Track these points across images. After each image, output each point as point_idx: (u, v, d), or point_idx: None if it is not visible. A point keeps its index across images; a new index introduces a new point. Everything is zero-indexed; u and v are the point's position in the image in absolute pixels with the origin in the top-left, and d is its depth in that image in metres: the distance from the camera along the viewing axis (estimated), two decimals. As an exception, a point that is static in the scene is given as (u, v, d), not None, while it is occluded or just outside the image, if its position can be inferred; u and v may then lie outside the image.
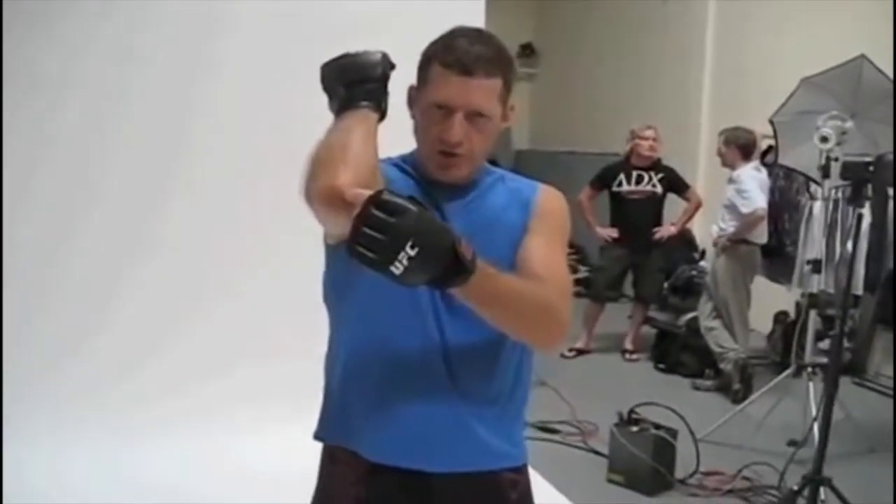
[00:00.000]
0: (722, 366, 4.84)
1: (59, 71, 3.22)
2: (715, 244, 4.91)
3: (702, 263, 5.77)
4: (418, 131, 1.38)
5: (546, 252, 1.36)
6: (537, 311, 1.28)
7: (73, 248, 3.29)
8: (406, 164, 1.43)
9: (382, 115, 1.36)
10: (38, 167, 3.25)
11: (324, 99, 1.38)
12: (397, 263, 1.07)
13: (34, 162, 3.24)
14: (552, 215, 1.43)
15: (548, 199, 1.44)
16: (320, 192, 1.20)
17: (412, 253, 1.06)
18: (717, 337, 4.85)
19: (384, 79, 1.36)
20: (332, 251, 1.40)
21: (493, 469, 1.43)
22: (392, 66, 1.39)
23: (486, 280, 1.17)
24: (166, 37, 3.30)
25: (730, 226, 4.77)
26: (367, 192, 1.09)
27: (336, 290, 1.44)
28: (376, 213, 1.06)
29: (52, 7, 3.18)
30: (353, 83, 1.35)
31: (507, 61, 1.38)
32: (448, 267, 1.11)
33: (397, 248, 1.06)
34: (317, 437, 1.49)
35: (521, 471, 1.48)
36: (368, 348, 1.40)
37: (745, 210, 4.65)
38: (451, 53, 1.32)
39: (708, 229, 5.32)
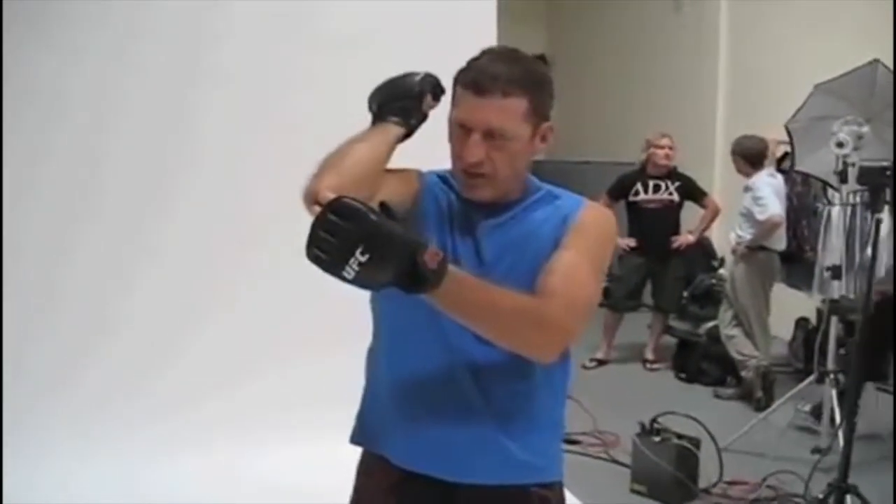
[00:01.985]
0: (743, 374, 4.81)
1: (56, 78, 3.21)
2: (733, 252, 4.90)
3: (721, 272, 5.74)
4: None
5: (570, 266, 1.33)
6: (524, 325, 1.27)
7: (74, 257, 3.27)
8: (451, 179, 1.45)
9: (410, 130, 1.40)
10: (35, 175, 3.24)
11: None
12: (348, 268, 1.08)
13: (32, 169, 3.23)
14: (588, 231, 1.39)
15: (587, 215, 1.42)
16: (304, 195, 1.22)
17: (363, 259, 1.08)
18: (738, 345, 4.82)
19: (419, 96, 1.40)
20: None
21: (522, 483, 1.43)
22: (437, 87, 1.44)
23: (461, 290, 1.19)
24: (163, 43, 3.29)
25: (747, 233, 4.76)
26: (331, 194, 1.12)
27: (372, 299, 1.47)
28: (331, 216, 1.09)
29: (49, 13, 3.18)
30: (386, 101, 1.41)
31: (535, 81, 1.36)
32: (406, 275, 1.12)
33: (347, 253, 1.08)
34: (352, 440, 1.52)
35: (553, 487, 1.47)
36: (400, 359, 1.43)
37: (760, 217, 4.64)
38: (469, 73, 1.34)
39: (726, 237, 5.30)
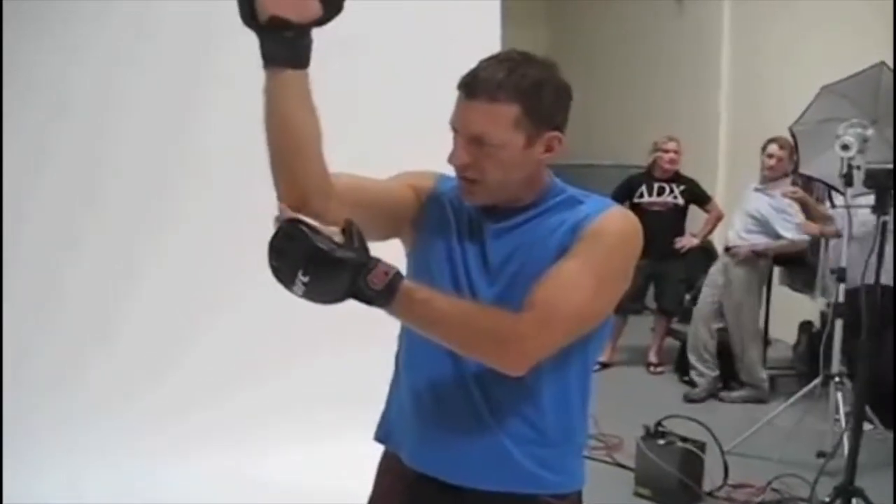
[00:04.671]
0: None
1: (58, 77, 3.18)
2: (733, 254, 4.85)
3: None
4: None
5: (566, 276, 1.28)
6: (481, 340, 1.27)
7: (77, 258, 3.25)
8: None
9: (291, 56, 1.19)
10: (38, 175, 3.21)
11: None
12: (295, 288, 1.16)
13: (34, 170, 3.20)
14: (602, 238, 1.31)
15: (603, 224, 1.32)
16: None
17: (304, 279, 1.14)
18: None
19: (253, 21, 1.16)
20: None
21: (531, 492, 1.40)
22: None
23: (412, 307, 1.22)
24: (166, 42, 3.25)
25: (755, 237, 4.75)
26: (288, 213, 1.17)
27: None
28: (280, 238, 1.16)
29: (50, 11, 3.14)
30: (262, 26, 1.16)
31: (532, 87, 1.29)
32: (354, 294, 1.18)
33: (292, 274, 1.15)
34: (375, 437, 1.53)
35: (566, 498, 1.44)
36: (414, 363, 1.43)
37: (790, 235, 4.65)
38: (466, 75, 1.32)
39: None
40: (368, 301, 1.20)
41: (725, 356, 4.97)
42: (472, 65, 1.33)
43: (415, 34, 3.23)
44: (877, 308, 3.00)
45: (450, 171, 1.40)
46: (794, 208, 4.65)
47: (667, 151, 5.46)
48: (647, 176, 5.56)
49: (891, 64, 3.97)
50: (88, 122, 3.25)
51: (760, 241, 4.77)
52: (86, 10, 3.19)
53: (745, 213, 4.83)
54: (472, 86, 1.29)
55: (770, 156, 4.71)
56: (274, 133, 1.23)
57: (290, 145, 1.22)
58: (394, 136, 3.04)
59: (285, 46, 1.18)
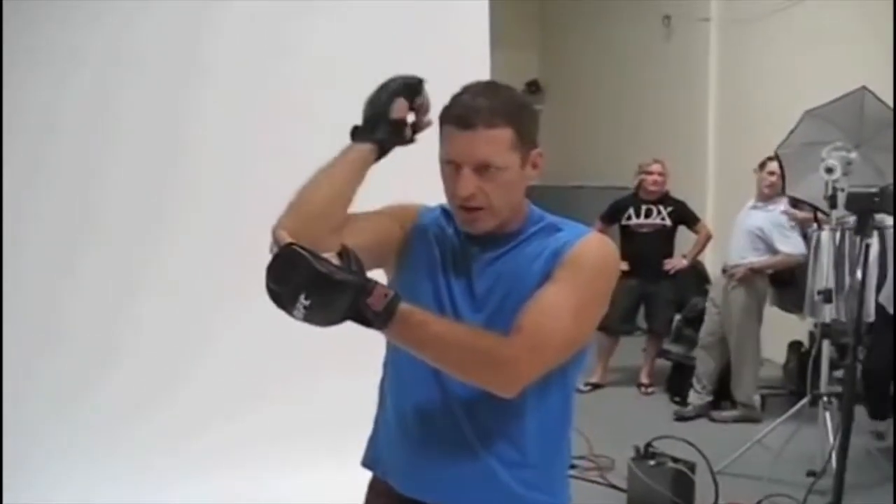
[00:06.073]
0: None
1: (49, 98, 3.14)
2: (730, 274, 4.86)
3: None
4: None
5: (549, 301, 1.33)
6: (474, 364, 1.30)
7: (76, 280, 3.22)
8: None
9: (381, 146, 1.40)
10: (33, 197, 3.17)
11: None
12: (296, 312, 1.19)
13: (30, 190, 3.16)
14: (581, 263, 1.37)
15: (582, 248, 1.38)
16: (271, 238, 1.29)
17: (306, 303, 1.18)
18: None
19: (385, 106, 1.39)
20: None
21: None
22: (407, 87, 1.41)
23: (409, 329, 1.25)
24: (163, 44, 3.22)
25: (755, 255, 4.78)
26: (287, 240, 1.21)
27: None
28: (279, 263, 1.19)
29: (44, 14, 3.12)
30: (363, 119, 1.40)
31: (517, 110, 1.38)
32: (353, 316, 1.21)
33: (292, 298, 1.18)
34: (363, 463, 1.55)
35: None
36: (400, 388, 1.46)
37: (786, 249, 4.70)
38: (453, 109, 1.37)
39: (718, 261, 5.33)
40: (368, 323, 1.23)
41: (721, 377, 5.00)
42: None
43: (402, 61, 3.24)
44: (861, 329, 3.04)
45: (432, 202, 1.44)
46: (790, 223, 4.70)
47: (650, 173, 5.52)
48: (635, 198, 5.61)
49: (874, 85, 4.04)
50: (81, 139, 3.20)
51: (760, 258, 4.80)
52: (77, 13, 3.15)
53: (746, 231, 4.84)
54: (468, 117, 1.34)
55: (771, 172, 4.73)
56: (324, 188, 1.34)
57: (332, 202, 1.34)
58: (381, 164, 3.06)
59: (394, 137, 1.41)
